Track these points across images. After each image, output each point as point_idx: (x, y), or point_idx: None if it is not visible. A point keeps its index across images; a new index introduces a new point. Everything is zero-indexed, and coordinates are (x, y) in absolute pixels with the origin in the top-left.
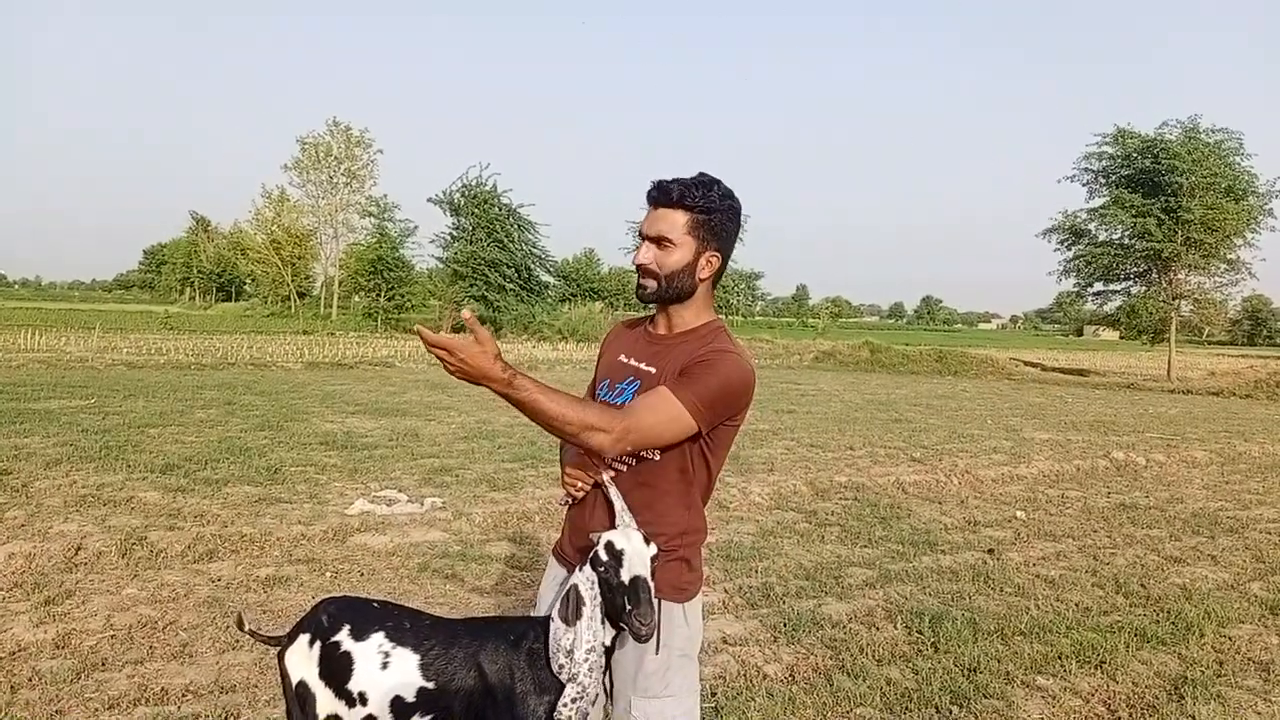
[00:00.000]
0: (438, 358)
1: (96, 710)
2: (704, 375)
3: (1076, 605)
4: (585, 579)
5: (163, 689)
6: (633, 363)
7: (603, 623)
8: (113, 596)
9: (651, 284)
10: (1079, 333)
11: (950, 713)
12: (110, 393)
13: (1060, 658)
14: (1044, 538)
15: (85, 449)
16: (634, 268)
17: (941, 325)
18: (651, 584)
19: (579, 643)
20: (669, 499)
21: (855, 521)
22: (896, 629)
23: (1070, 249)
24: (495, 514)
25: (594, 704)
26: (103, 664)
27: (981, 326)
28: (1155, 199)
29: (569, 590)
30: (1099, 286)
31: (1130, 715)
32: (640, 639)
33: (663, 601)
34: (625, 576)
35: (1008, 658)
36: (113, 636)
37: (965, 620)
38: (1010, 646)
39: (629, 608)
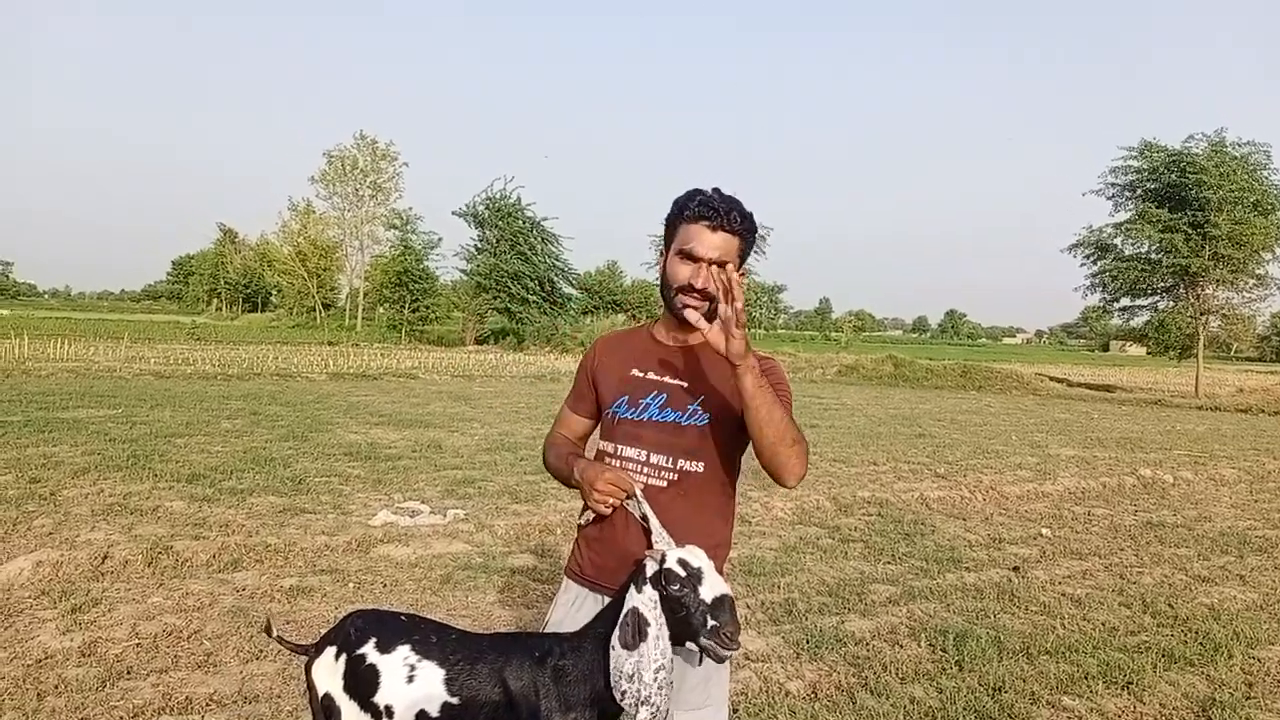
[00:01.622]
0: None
1: (121, 718)
2: (779, 384)
3: (1103, 625)
4: (647, 600)
5: (187, 698)
6: (652, 376)
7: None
8: (138, 605)
9: (704, 306)
10: (1105, 348)
11: None
12: (138, 402)
13: (1087, 678)
14: (1070, 556)
15: (113, 458)
16: (676, 286)
17: (966, 339)
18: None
19: (646, 664)
20: (708, 511)
21: (879, 537)
22: (920, 647)
23: (1096, 264)
24: (517, 526)
25: None
26: (128, 672)
27: (1006, 341)
28: (1182, 213)
29: (629, 614)
30: (1125, 301)
31: None
32: (723, 658)
33: None
34: (708, 595)
35: (1033, 677)
36: (138, 645)
37: (990, 639)
38: (1036, 666)
39: (714, 625)
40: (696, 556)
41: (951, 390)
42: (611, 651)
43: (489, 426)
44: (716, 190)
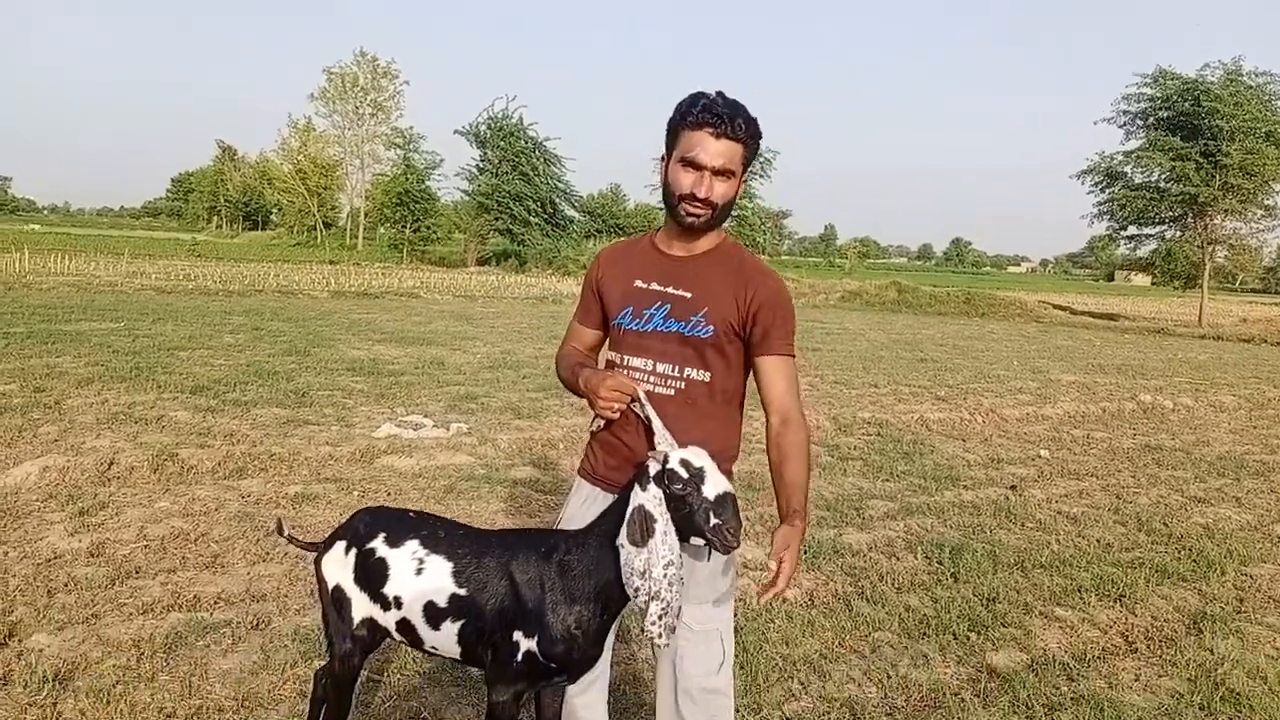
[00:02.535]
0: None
1: (131, 615)
2: (785, 322)
3: (1098, 541)
4: (652, 498)
5: (195, 596)
6: (655, 287)
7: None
8: (145, 509)
9: (706, 214)
10: (1110, 278)
11: (968, 639)
12: (139, 316)
13: (1080, 590)
14: (1067, 476)
15: (116, 369)
16: (679, 195)
17: (970, 268)
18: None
19: (655, 560)
20: (715, 420)
21: (878, 456)
22: (917, 559)
23: (1105, 191)
24: (520, 440)
25: (678, 616)
26: (136, 572)
27: (1011, 270)
28: (1194, 142)
29: (635, 512)
30: (1133, 230)
31: (1148, 647)
32: (727, 551)
33: None
34: (711, 493)
35: (1027, 589)
36: (146, 546)
37: (985, 552)
38: (1030, 579)
39: (716, 522)
40: (699, 456)
41: (954, 317)
42: (621, 549)
43: (491, 345)
44: (720, 94)
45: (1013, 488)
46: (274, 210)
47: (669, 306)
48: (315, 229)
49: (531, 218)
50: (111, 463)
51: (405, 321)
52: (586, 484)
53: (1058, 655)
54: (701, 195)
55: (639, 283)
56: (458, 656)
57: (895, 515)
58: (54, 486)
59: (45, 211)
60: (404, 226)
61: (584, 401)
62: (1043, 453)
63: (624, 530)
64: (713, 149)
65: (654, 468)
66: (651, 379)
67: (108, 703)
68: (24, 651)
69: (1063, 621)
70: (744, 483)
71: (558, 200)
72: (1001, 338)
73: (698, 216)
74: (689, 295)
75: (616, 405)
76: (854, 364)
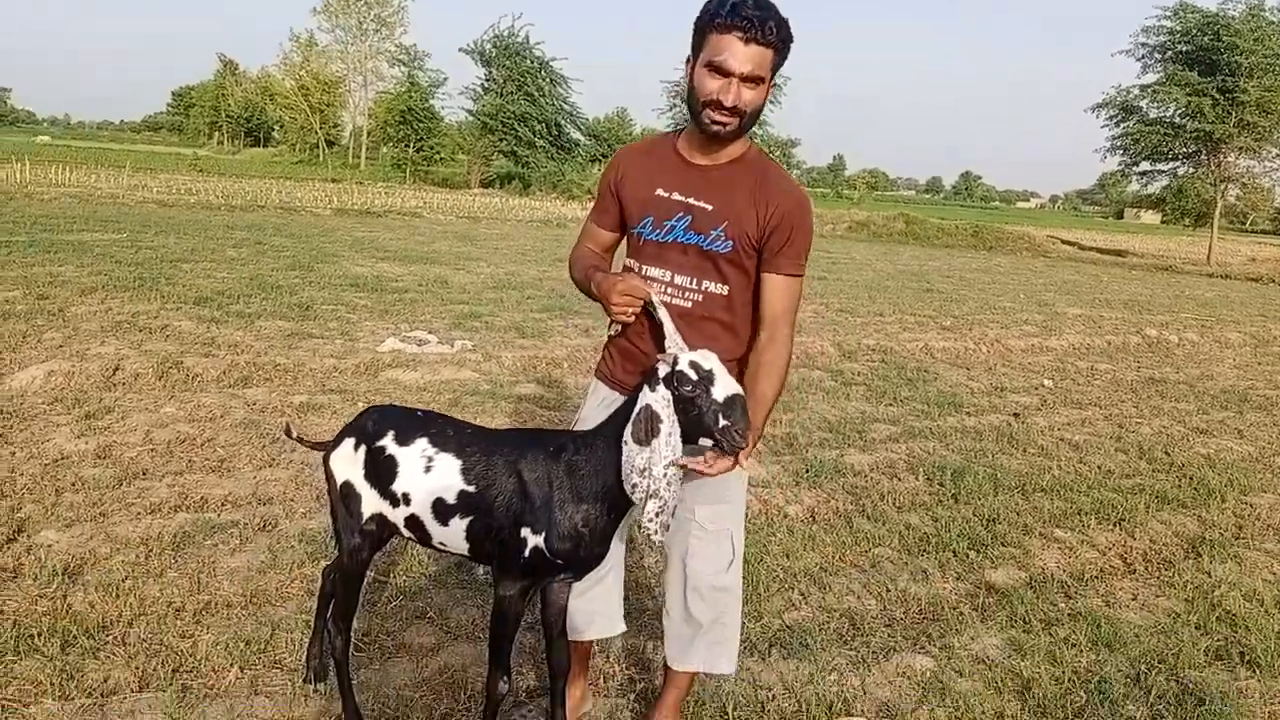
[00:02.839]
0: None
1: (139, 514)
2: (798, 241)
3: (1099, 468)
4: (660, 399)
5: (202, 498)
6: (677, 197)
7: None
8: (151, 414)
9: (734, 122)
10: (1119, 215)
11: (967, 557)
12: (142, 228)
13: (1080, 514)
14: (1070, 405)
15: (119, 279)
16: (703, 100)
17: (979, 202)
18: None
19: (656, 460)
20: (732, 333)
21: (881, 382)
22: (918, 480)
23: (1119, 126)
24: (524, 358)
25: (673, 515)
26: (143, 474)
27: (1020, 205)
28: (1212, 78)
29: (641, 411)
30: (1145, 166)
31: (1146, 569)
32: (734, 452)
33: None
34: (720, 394)
35: (1027, 511)
36: (152, 450)
37: (987, 475)
38: (1030, 501)
39: (725, 423)
40: (708, 359)
41: (962, 250)
42: (624, 446)
43: (495, 266)
44: None
45: (1015, 415)
46: (276, 127)
47: (690, 218)
48: (317, 147)
49: (536, 139)
50: (116, 369)
51: (408, 241)
52: (604, 387)
53: (1056, 574)
54: (729, 103)
55: (660, 191)
56: (466, 553)
57: (897, 438)
58: (60, 390)
59: (45, 124)
60: (407, 146)
61: (589, 319)
62: (1046, 383)
63: (629, 428)
64: (741, 54)
65: (663, 370)
66: (669, 290)
67: (117, 596)
68: (33, 546)
69: (1062, 543)
70: None
71: (563, 122)
72: (1008, 271)
73: (724, 125)
74: (710, 208)
75: (630, 310)
76: (860, 293)
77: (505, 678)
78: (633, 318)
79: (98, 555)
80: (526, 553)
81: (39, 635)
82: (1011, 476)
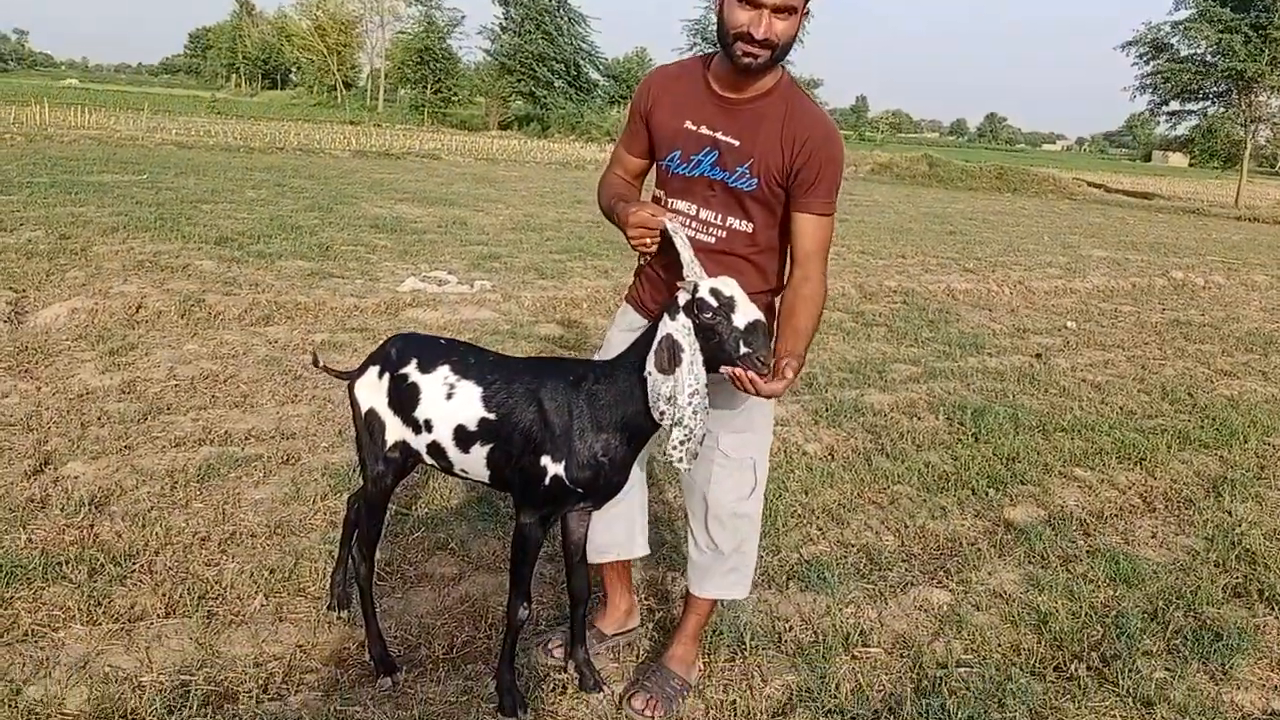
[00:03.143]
0: None
1: (164, 447)
2: (828, 179)
3: (1120, 408)
4: (680, 327)
5: (226, 432)
6: (705, 131)
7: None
8: (174, 351)
9: (765, 55)
10: (1147, 158)
11: (987, 495)
12: (161, 170)
13: (1100, 453)
14: (1093, 347)
15: (141, 219)
16: (734, 32)
17: (1004, 144)
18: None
19: (681, 388)
20: (756, 270)
21: (902, 323)
22: (938, 420)
23: (1149, 64)
24: (543, 299)
25: (701, 443)
26: (168, 408)
27: (1046, 148)
28: (1244, 14)
29: (663, 340)
30: (1174, 106)
31: (1166, 508)
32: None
33: None
34: (741, 321)
35: (1048, 451)
36: (176, 385)
37: (1008, 415)
38: (1051, 441)
39: (746, 350)
40: (728, 285)
41: (986, 192)
42: (648, 377)
43: (514, 208)
44: None
45: (1038, 356)
46: (293, 69)
47: (717, 154)
48: (335, 89)
49: (555, 80)
50: (139, 306)
51: (427, 182)
52: (632, 311)
53: (1075, 512)
54: (760, 35)
55: (689, 124)
56: (486, 480)
57: (918, 379)
58: (83, 328)
59: (63, 67)
60: (425, 88)
61: (608, 261)
62: (1069, 324)
63: (651, 358)
64: None
65: (683, 298)
66: (695, 225)
67: (143, 526)
68: (60, 478)
69: (1082, 482)
70: None
71: (582, 62)
72: (1033, 214)
73: (755, 58)
74: (737, 143)
75: (648, 239)
76: (882, 235)
77: (526, 604)
78: (653, 248)
79: (124, 487)
80: (546, 481)
81: (67, 563)
82: (1032, 416)
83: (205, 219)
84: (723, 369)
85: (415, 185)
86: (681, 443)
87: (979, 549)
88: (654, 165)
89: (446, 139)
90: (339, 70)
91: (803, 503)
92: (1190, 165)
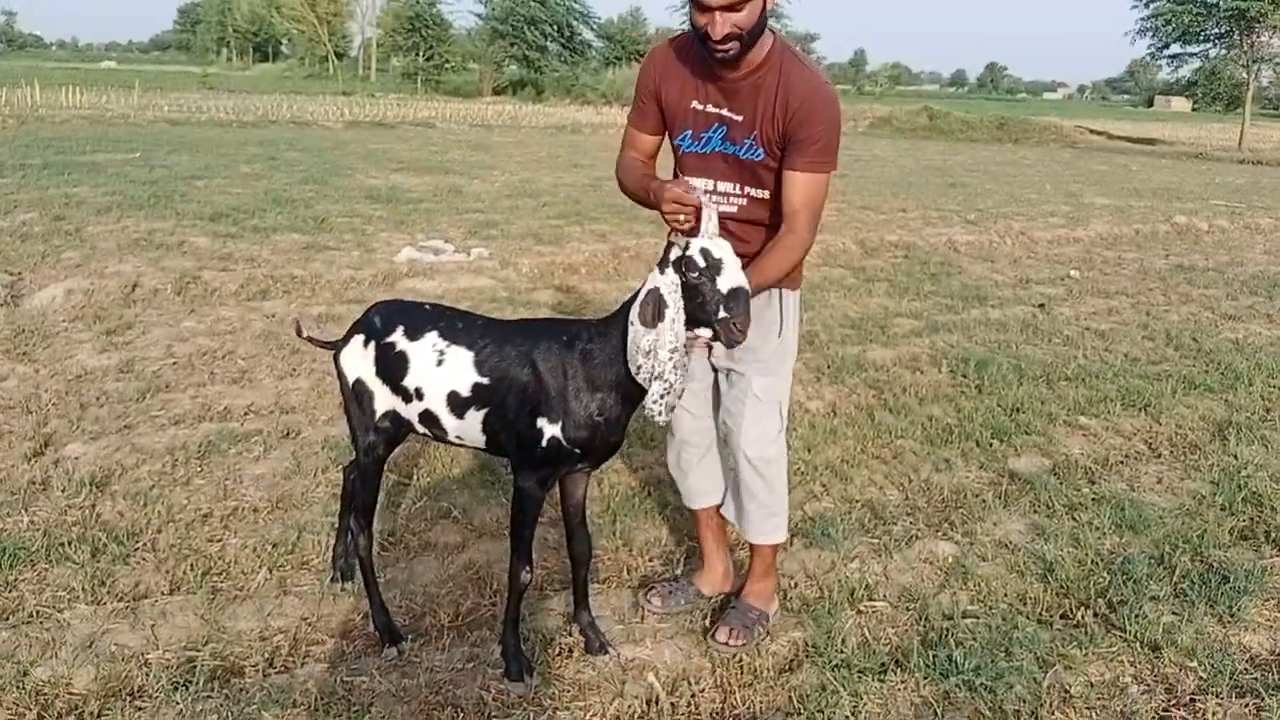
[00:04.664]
0: None
1: (163, 425)
2: (818, 137)
3: (1125, 355)
4: (667, 282)
5: (225, 408)
6: (711, 109)
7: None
8: (171, 328)
9: (734, 46)
10: (1149, 104)
11: (991, 446)
12: (154, 147)
13: (1105, 400)
14: (1097, 295)
15: (134, 198)
16: (699, 36)
17: (1005, 94)
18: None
19: (661, 343)
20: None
21: (904, 277)
22: (941, 373)
23: (1149, 6)
24: (541, 265)
25: (680, 397)
26: (166, 386)
27: (1047, 96)
28: None
29: (649, 294)
30: (1175, 49)
31: (1172, 453)
32: (731, 345)
33: (783, 290)
34: (724, 286)
35: (1052, 400)
36: (174, 363)
37: (1011, 366)
38: (1055, 390)
39: (725, 315)
40: (720, 248)
41: (987, 143)
42: (630, 328)
43: (509, 174)
44: None
45: (1041, 306)
46: (284, 41)
47: (725, 129)
48: (327, 60)
49: (548, 42)
50: (135, 285)
51: (422, 151)
52: None
53: (1080, 460)
54: (716, 36)
55: (695, 104)
56: (482, 445)
57: (920, 333)
58: (80, 308)
59: (53, 47)
60: (417, 55)
61: (605, 225)
62: (1073, 273)
63: (634, 309)
64: None
65: (675, 253)
66: (715, 197)
67: (145, 505)
68: (60, 459)
69: (1086, 430)
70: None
71: (575, 23)
72: (1035, 163)
73: (725, 52)
74: (740, 118)
75: (683, 216)
76: (882, 189)
77: (528, 568)
78: (689, 224)
79: (124, 466)
80: (544, 443)
81: (69, 544)
82: (1036, 366)
83: (199, 195)
84: (694, 330)
85: (410, 154)
86: (661, 396)
87: (984, 500)
88: (667, 143)
89: (440, 107)
90: (330, 41)
91: (805, 460)
92: (1193, 110)
